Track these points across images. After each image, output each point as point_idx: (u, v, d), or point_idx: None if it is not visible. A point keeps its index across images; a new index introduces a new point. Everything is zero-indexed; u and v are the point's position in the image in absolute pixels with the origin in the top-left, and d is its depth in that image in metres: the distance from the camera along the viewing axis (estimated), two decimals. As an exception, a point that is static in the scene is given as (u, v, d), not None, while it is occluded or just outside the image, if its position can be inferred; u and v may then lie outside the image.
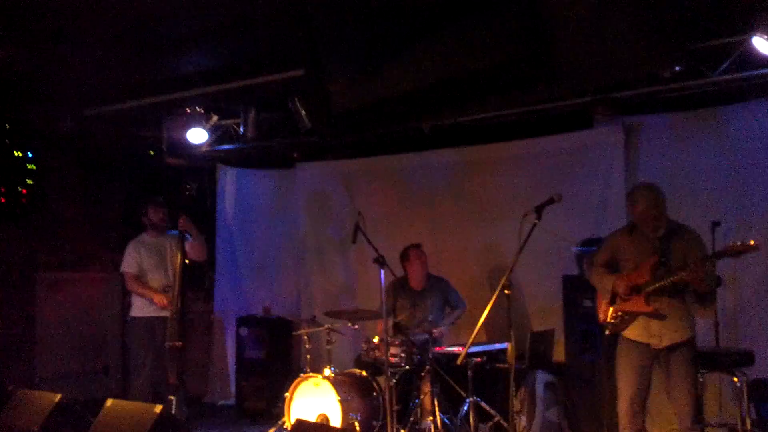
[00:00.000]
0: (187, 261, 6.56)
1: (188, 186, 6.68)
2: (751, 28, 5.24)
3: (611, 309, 4.94)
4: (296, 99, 6.91)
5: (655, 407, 5.61)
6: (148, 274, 6.60)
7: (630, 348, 4.91)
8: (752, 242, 4.41)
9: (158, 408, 5.09)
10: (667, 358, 4.81)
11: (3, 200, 7.92)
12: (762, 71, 5.56)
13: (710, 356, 5.37)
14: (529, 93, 5.31)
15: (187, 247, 6.57)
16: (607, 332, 5.02)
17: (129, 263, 6.62)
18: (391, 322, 6.50)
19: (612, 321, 4.93)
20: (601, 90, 6.17)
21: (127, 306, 6.86)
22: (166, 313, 6.41)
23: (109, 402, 5.37)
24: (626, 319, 4.88)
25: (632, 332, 4.89)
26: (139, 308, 6.59)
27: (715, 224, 5.59)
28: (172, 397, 6.10)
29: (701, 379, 5.24)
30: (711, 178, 6.33)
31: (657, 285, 4.73)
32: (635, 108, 6.62)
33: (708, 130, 6.38)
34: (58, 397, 5.56)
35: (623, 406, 4.92)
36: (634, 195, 4.98)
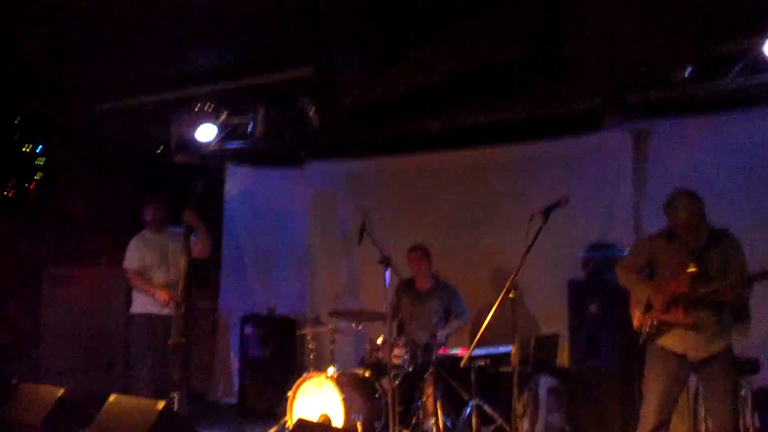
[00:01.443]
0: (201, 254, 6.56)
1: (194, 183, 6.68)
2: (763, 33, 5.21)
3: (647, 316, 4.81)
4: (305, 97, 6.92)
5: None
6: (152, 270, 6.61)
7: (666, 356, 4.79)
8: None
9: (161, 404, 5.08)
10: (706, 369, 4.72)
11: (11, 194, 7.95)
12: (772, 77, 5.53)
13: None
14: (538, 92, 5.32)
15: (191, 244, 6.55)
16: (641, 341, 4.88)
17: (131, 259, 6.63)
18: (395, 323, 6.49)
19: (648, 329, 4.82)
20: (610, 93, 6.14)
21: (130, 302, 6.85)
22: (167, 311, 6.40)
23: (112, 397, 5.37)
24: (662, 329, 4.77)
25: (668, 341, 4.77)
26: (140, 305, 6.59)
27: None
28: (175, 394, 6.09)
29: (742, 393, 5.16)
30: (721, 183, 6.26)
31: (695, 297, 4.62)
32: (644, 112, 6.57)
33: (718, 135, 6.33)
34: (61, 391, 5.56)
35: (650, 411, 4.81)
36: (674, 202, 4.80)
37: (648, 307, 4.81)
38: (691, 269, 4.65)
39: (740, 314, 4.69)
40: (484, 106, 6.49)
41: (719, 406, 4.69)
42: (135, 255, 6.62)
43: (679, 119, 6.55)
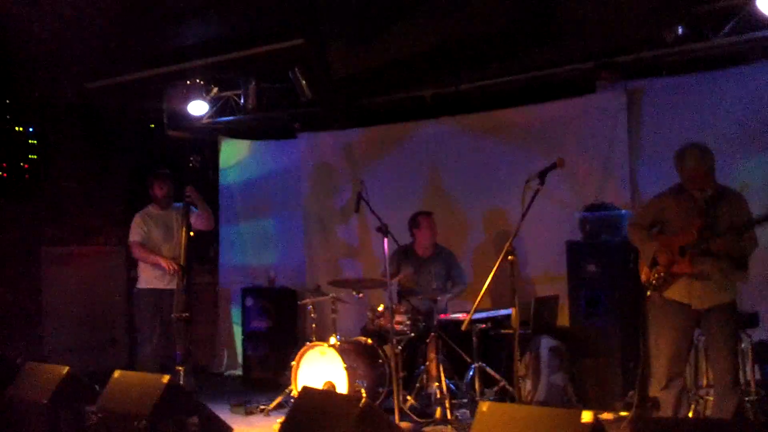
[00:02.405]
0: (192, 233, 6.58)
1: (192, 158, 6.68)
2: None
3: (654, 270, 4.89)
4: (296, 69, 6.88)
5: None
6: (157, 245, 6.63)
7: (671, 308, 4.87)
8: None
9: (166, 378, 5.13)
10: (708, 319, 4.79)
11: (5, 176, 7.93)
12: (765, 33, 5.51)
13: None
14: (532, 56, 5.31)
15: (193, 218, 6.59)
16: (648, 293, 4.96)
17: (135, 233, 6.66)
18: (395, 290, 6.53)
19: (654, 282, 4.89)
20: (603, 54, 6.13)
21: (133, 279, 6.89)
22: (172, 285, 6.44)
23: (117, 373, 5.41)
24: (669, 279, 4.84)
25: (674, 293, 4.85)
26: (146, 280, 6.63)
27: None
28: (179, 368, 6.15)
29: (743, 345, 5.22)
30: (716, 141, 6.26)
31: (702, 247, 4.70)
32: (638, 72, 6.57)
33: (712, 93, 6.33)
34: (66, 369, 5.60)
35: (662, 364, 4.89)
36: (682, 153, 4.89)
37: (654, 262, 4.88)
38: (699, 222, 4.73)
39: (741, 263, 4.77)
40: (479, 71, 6.48)
41: (719, 357, 4.78)
42: (140, 229, 6.65)
43: (673, 78, 6.56)
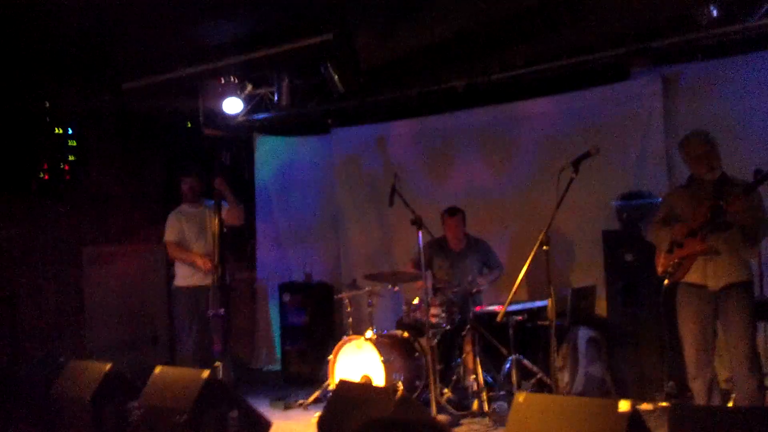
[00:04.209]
0: (224, 229, 6.65)
1: (223, 155, 6.75)
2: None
3: (669, 257, 4.90)
4: (328, 64, 6.90)
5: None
6: (190, 243, 6.72)
7: (690, 295, 4.88)
8: None
9: (205, 373, 5.20)
10: (725, 301, 4.77)
11: (47, 177, 8.09)
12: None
13: (756, 306, 5.29)
14: (563, 40, 5.24)
15: (224, 213, 6.64)
16: (666, 282, 4.96)
17: (170, 233, 6.76)
18: (430, 283, 6.53)
19: (670, 269, 4.89)
20: (636, 40, 6.05)
21: (172, 276, 6.98)
22: (208, 282, 6.52)
23: (157, 369, 5.50)
24: (684, 264, 4.85)
25: (690, 276, 4.86)
26: (183, 278, 6.72)
27: (758, 172, 5.46)
28: (218, 363, 6.22)
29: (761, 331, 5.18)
30: (752, 125, 6.18)
31: (712, 224, 4.70)
32: (672, 57, 6.48)
33: (749, 77, 6.22)
34: (109, 366, 5.70)
35: (690, 354, 4.89)
36: (687, 138, 5.01)
37: (671, 247, 4.89)
38: (708, 202, 4.75)
39: (749, 233, 4.74)
40: (509, 59, 6.44)
41: (735, 340, 4.74)
42: (174, 228, 6.75)
43: (708, 63, 6.45)
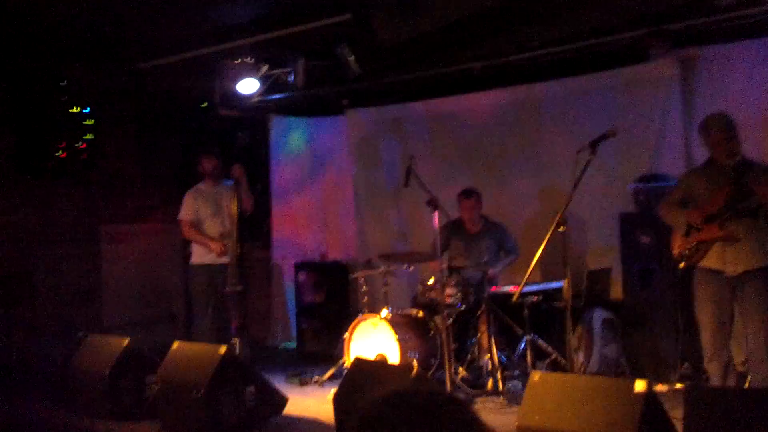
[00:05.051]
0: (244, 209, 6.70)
1: (240, 136, 6.78)
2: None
3: (686, 240, 4.89)
4: (344, 44, 6.90)
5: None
6: (205, 222, 6.76)
7: (707, 278, 4.87)
8: None
9: (223, 349, 5.26)
10: (743, 287, 4.76)
11: (64, 155, 8.14)
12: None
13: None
14: (582, 24, 5.21)
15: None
16: (681, 265, 4.96)
17: (186, 211, 6.79)
18: (445, 263, 6.55)
19: (687, 252, 4.88)
20: (654, 22, 6.01)
21: (188, 255, 7.04)
22: (225, 260, 6.57)
23: (175, 344, 5.57)
24: (701, 248, 4.84)
25: (707, 261, 4.85)
26: (199, 255, 6.76)
27: (777, 155, 5.46)
28: (235, 340, 6.28)
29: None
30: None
31: (731, 210, 4.69)
32: (691, 40, 6.43)
33: (766, 59, 6.17)
34: (127, 341, 5.78)
35: (706, 337, 4.90)
36: (706, 122, 4.96)
37: (688, 230, 4.87)
38: (726, 187, 4.73)
39: None
40: (527, 41, 6.42)
41: (754, 326, 4.74)
42: (190, 207, 6.78)
43: (727, 45, 6.40)
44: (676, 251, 4.97)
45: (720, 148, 4.86)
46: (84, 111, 8.41)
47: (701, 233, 4.82)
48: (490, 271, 6.35)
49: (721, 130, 4.84)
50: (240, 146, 6.80)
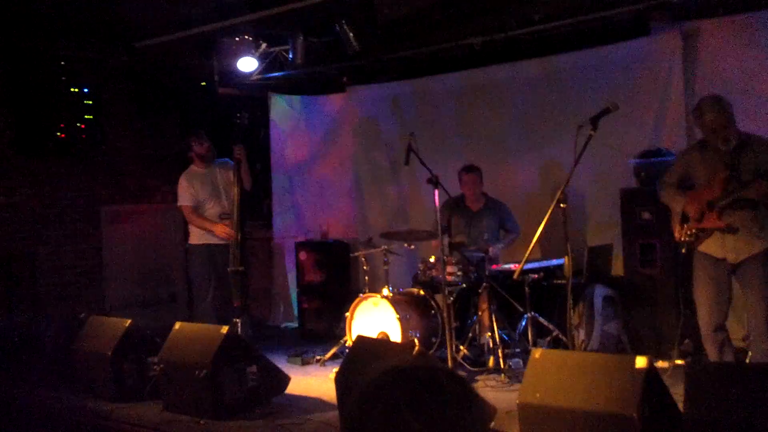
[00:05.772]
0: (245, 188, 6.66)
1: (239, 115, 6.73)
2: None
3: (685, 227, 4.86)
4: (343, 21, 6.84)
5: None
6: (205, 204, 6.71)
7: (707, 262, 4.85)
8: None
9: (225, 329, 5.27)
10: (744, 269, 4.75)
11: (63, 136, 8.11)
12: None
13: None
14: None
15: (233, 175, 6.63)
16: (683, 251, 4.94)
17: (184, 197, 6.70)
18: (446, 241, 6.53)
19: (687, 240, 4.86)
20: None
21: (187, 235, 7.01)
22: (224, 240, 6.54)
23: (177, 325, 5.57)
24: (701, 235, 4.81)
25: (708, 247, 4.83)
26: (198, 236, 6.72)
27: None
28: (237, 320, 6.28)
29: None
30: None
31: (728, 200, 4.64)
32: (693, 13, 6.37)
33: (769, 33, 6.12)
34: (129, 322, 5.79)
35: (703, 316, 4.89)
36: (700, 107, 4.84)
37: (684, 218, 4.85)
38: (723, 173, 4.65)
39: None
40: (527, 15, 6.36)
41: (754, 305, 4.73)
42: (187, 192, 6.70)
43: (729, 18, 6.33)
44: (676, 236, 4.95)
45: (715, 135, 4.76)
46: (84, 91, 8.37)
47: (700, 222, 4.78)
48: (491, 250, 6.33)
49: (715, 116, 4.72)
50: (240, 125, 6.74)
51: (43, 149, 8.02)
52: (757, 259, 4.70)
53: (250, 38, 7.65)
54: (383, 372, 1.57)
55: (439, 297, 6.15)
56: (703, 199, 4.76)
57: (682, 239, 4.88)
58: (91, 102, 8.35)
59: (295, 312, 8.47)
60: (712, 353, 4.88)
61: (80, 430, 5.35)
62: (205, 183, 6.74)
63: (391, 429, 1.47)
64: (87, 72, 8.29)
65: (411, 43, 7.13)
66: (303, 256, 8.07)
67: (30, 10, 6.87)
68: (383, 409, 1.49)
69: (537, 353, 4.08)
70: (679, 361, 5.63)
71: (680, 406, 3.69)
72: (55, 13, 6.98)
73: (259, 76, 8.17)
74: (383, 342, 5.70)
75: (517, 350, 6.07)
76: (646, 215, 6.14)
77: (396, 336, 5.98)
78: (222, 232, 6.53)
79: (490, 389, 5.51)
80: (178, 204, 6.80)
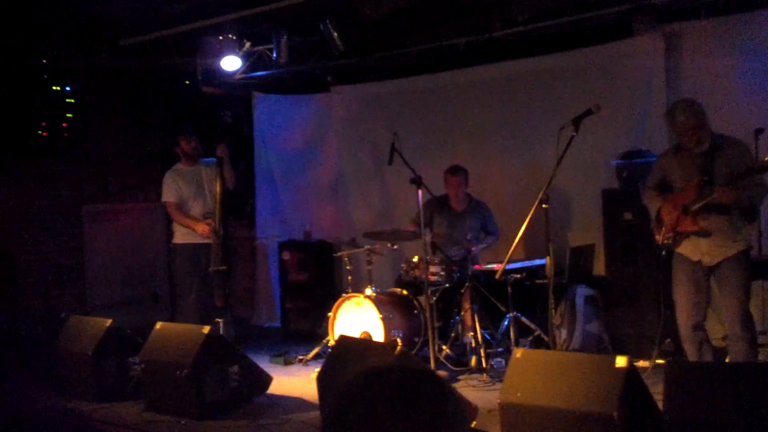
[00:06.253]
0: (227, 187, 6.64)
1: (223, 113, 6.71)
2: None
3: (662, 230, 4.91)
4: (327, 20, 6.83)
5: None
6: (189, 202, 6.69)
7: (684, 263, 4.90)
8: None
9: (206, 329, 5.25)
10: (719, 271, 4.79)
11: (45, 134, 8.05)
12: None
13: (754, 265, 5.31)
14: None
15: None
16: (663, 252, 4.99)
17: (169, 193, 6.70)
18: (429, 240, 6.55)
19: (666, 242, 4.90)
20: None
21: (171, 234, 6.98)
22: (208, 240, 6.52)
23: (158, 325, 5.55)
24: (678, 238, 4.86)
25: (685, 249, 4.87)
26: (182, 235, 6.70)
27: (759, 131, 5.44)
28: (219, 320, 6.26)
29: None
30: (754, 84, 6.14)
31: (701, 204, 4.67)
32: (675, 15, 6.42)
33: (751, 35, 6.17)
34: (110, 322, 5.76)
35: (681, 317, 4.93)
36: (672, 111, 4.89)
37: (659, 221, 4.89)
38: (697, 178, 4.70)
39: (749, 213, 4.71)
40: (511, 17, 6.38)
41: (728, 306, 4.77)
42: (172, 189, 6.69)
43: (712, 20, 6.38)
44: (657, 239, 4.99)
45: (687, 138, 4.80)
46: (66, 89, 8.31)
47: (677, 225, 4.82)
48: (473, 249, 6.35)
49: (687, 118, 4.75)
50: (223, 124, 6.72)
51: (25, 148, 7.97)
52: (731, 262, 4.74)
53: (234, 37, 7.63)
54: (361, 373, 1.57)
55: (422, 297, 6.15)
56: (678, 203, 4.81)
57: (662, 242, 4.92)
58: (73, 100, 8.31)
59: (278, 312, 8.45)
60: (691, 353, 4.92)
61: (60, 430, 5.31)
62: (190, 181, 6.72)
63: (369, 429, 1.48)
64: (70, 70, 8.24)
65: (395, 43, 7.14)
66: (286, 255, 8.06)
67: (11, 8, 6.82)
68: (361, 410, 1.49)
69: (519, 353, 4.10)
70: (659, 361, 5.66)
71: (660, 405, 3.71)
72: (38, 11, 6.93)
73: (243, 75, 8.14)
74: (365, 342, 5.70)
75: (500, 350, 6.10)
76: (628, 216, 6.18)
77: (379, 336, 5.98)
78: (203, 230, 6.50)
79: (472, 389, 5.52)
80: (162, 200, 6.79)
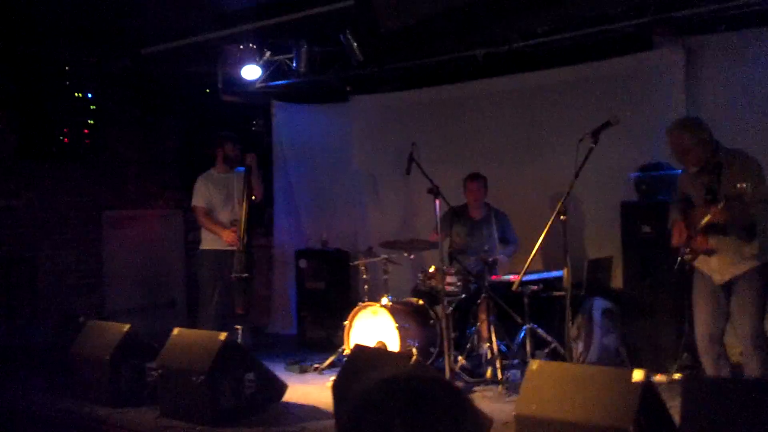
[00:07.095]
0: (254, 197, 6.70)
1: (255, 122, 6.76)
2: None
3: (680, 248, 4.87)
4: (347, 31, 6.87)
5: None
6: (217, 209, 6.77)
7: (703, 278, 4.86)
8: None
9: (223, 335, 5.27)
10: (733, 286, 4.74)
11: (66, 140, 8.13)
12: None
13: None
14: (586, 11, 5.16)
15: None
16: (686, 268, 4.94)
17: (199, 198, 6.79)
18: (446, 251, 6.54)
19: (686, 258, 4.86)
20: (659, 9, 5.97)
21: (191, 242, 7.03)
22: (231, 247, 6.58)
23: (176, 330, 5.58)
24: (693, 255, 4.82)
25: (700, 265, 4.85)
26: (210, 242, 6.76)
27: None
28: (238, 327, 6.29)
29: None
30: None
31: (702, 224, 4.62)
32: (696, 28, 6.39)
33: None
34: (127, 327, 5.79)
35: (700, 332, 4.89)
36: (670, 131, 4.82)
37: (669, 235, 4.87)
38: (706, 196, 4.63)
39: (750, 232, 4.63)
40: (530, 28, 6.38)
41: (741, 321, 4.71)
42: (202, 194, 6.78)
43: (733, 33, 6.35)
44: (678, 255, 4.95)
45: (683, 160, 4.79)
46: (87, 96, 8.39)
47: (692, 242, 4.78)
48: (500, 258, 6.34)
49: (681, 141, 4.71)
50: (256, 132, 6.75)
51: (46, 154, 8.04)
52: (743, 279, 4.69)
53: (254, 46, 7.69)
54: (377, 382, 1.58)
55: (438, 307, 6.15)
56: (694, 221, 4.76)
57: (683, 257, 4.88)
58: (94, 107, 8.37)
59: (294, 320, 8.46)
60: (708, 367, 4.87)
61: (76, 434, 5.35)
62: (220, 188, 6.80)
63: (384, 438, 1.48)
64: (91, 77, 8.32)
65: (414, 53, 7.15)
66: (303, 264, 8.07)
67: (34, 16, 6.91)
68: (376, 419, 1.50)
69: (534, 365, 4.07)
70: (677, 375, 5.62)
71: (677, 420, 3.68)
72: (60, 19, 7.01)
73: (263, 84, 8.19)
74: (381, 352, 5.69)
75: (515, 361, 6.07)
76: (647, 229, 6.13)
77: (394, 345, 5.98)
78: (229, 237, 6.57)
79: (488, 400, 5.50)
80: (192, 204, 6.87)
